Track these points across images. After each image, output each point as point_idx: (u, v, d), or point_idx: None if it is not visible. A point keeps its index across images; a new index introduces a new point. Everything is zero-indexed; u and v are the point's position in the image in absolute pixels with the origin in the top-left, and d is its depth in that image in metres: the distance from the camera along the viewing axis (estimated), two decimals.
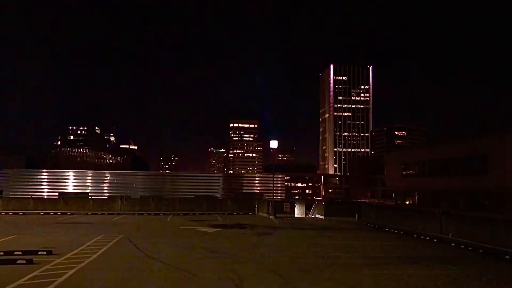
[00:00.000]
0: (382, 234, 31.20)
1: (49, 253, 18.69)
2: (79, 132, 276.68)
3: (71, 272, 15.24)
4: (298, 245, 24.83)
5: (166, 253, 20.38)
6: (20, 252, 18.13)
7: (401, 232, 31.18)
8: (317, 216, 45.68)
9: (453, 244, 25.06)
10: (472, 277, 16.47)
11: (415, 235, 29.27)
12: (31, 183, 64.10)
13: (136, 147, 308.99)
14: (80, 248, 20.96)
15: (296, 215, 45.68)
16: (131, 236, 26.18)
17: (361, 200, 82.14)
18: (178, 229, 32.37)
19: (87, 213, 45.41)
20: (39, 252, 18.52)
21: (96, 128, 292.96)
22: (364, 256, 20.63)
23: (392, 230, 32.58)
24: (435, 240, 27.14)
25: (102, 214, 45.43)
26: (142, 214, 46.23)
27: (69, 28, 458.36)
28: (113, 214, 45.52)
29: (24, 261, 16.37)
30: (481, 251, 22.55)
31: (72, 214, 44.79)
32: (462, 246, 24.17)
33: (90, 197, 54.95)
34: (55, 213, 44.80)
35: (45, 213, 44.68)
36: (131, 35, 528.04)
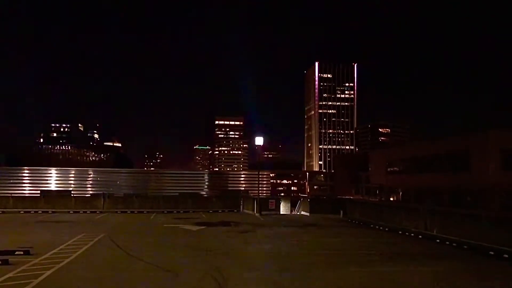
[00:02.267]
0: (367, 231, 31.18)
1: (27, 253, 18.05)
2: (62, 129, 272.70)
3: (48, 272, 14.68)
4: (283, 243, 24.59)
5: (149, 252, 19.92)
6: None
7: (386, 229, 31.20)
8: (303, 213, 45.60)
9: (438, 241, 25.11)
10: (458, 273, 16.44)
11: (400, 232, 29.27)
12: (11, 181, 62.52)
13: (120, 145, 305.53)
14: (60, 247, 20.35)
15: (281, 212, 45.50)
16: (113, 235, 25.60)
17: (346, 197, 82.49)
18: (162, 227, 31.85)
19: (69, 211, 44.44)
20: (16, 252, 17.86)
21: (80, 125, 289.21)
22: (349, 253, 20.50)
23: (377, 227, 32.59)
24: (420, 236, 27.17)
25: (85, 212, 44.54)
26: (126, 212, 45.45)
27: (52, 25, 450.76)
28: (95, 212, 44.66)
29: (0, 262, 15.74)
30: (465, 247, 22.59)
31: (53, 212, 43.79)
32: (447, 243, 24.22)
33: (72, 195, 53.83)
34: (36, 212, 43.73)
35: (25, 212, 43.59)
36: (114, 32, 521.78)
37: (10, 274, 14.25)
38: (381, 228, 31.97)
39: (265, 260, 18.75)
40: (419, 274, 16.04)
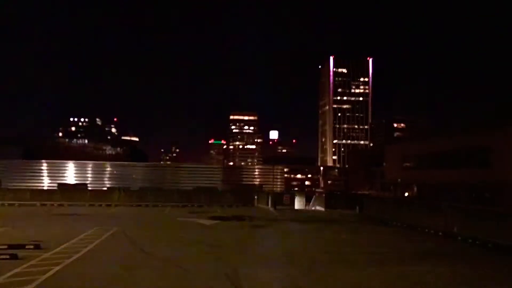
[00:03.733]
0: (385, 228, 30.37)
1: (37, 247, 17.74)
2: (80, 123, 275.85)
3: (56, 268, 14.29)
4: (299, 239, 24.00)
5: (161, 247, 19.51)
6: (5, 246, 17.14)
7: (404, 226, 30.32)
8: (317, 208, 44.87)
9: (459, 238, 24.20)
10: (486, 275, 15.61)
11: (419, 229, 28.38)
12: (29, 173, 63.10)
13: (137, 139, 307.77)
14: (71, 241, 20.03)
15: (296, 207, 44.86)
16: (126, 229, 25.27)
17: (360, 192, 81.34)
18: (176, 221, 31.50)
19: (84, 205, 44.48)
20: (26, 246, 17.56)
21: (97, 119, 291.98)
22: (368, 252, 19.76)
23: (394, 223, 31.72)
24: (440, 234, 26.28)
25: (100, 205, 44.54)
26: (140, 205, 45.35)
27: (70, 19, 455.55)
28: (110, 205, 44.63)
29: (8, 256, 15.42)
30: (489, 245, 21.67)
31: (69, 205, 43.88)
32: (470, 241, 23.28)
33: (89, 188, 54.03)
34: (52, 205, 43.89)
35: (41, 205, 43.77)
36: (131, 27, 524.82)
37: (18, 270, 13.87)
38: (399, 225, 31.09)
39: (280, 257, 18.15)
40: (444, 275, 15.23)
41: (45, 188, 55.51)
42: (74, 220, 30.75)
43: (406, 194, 59.87)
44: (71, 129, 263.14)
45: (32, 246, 17.69)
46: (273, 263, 16.68)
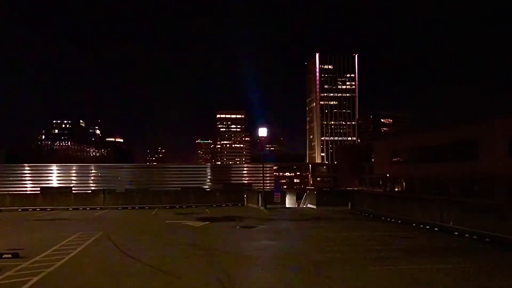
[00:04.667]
0: (379, 224, 29.70)
1: (15, 256, 16.56)
2: (63, 125, 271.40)
3: (35, 279, 13.16)
4: (293, 239, 23.14)
5: (148, 252, 18.45)
6: None
7: (399, 221, 29.70)
8: (309, 205, 44.14)
9: (456, 233, 23.58)
10: (488, 271, 14.93)
11: (414, 224, 27.76)
12: (10, 178, 61.17)
13: (122, 140, 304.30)
14: (52, 249, 18.87)
15: (287, 205, 44.04)
16: (112, 233, 24.15)
17: (350, 188, 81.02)
18: (163, 223, 30.38)
19: (68, 208, 43.12)
20: (4, 255, 16.40)
21: (81, 121, 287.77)
22: (365, 249, 18.97)
23: (388, 219, 31.10)
24: (436, 229, 25.66)
25: (84, 209, 43.21)
26: (127, 208, 44.11)
27: (53, 20, 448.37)
28: (95, 209, 43.31)
29: None
30: (488, 240, 21.09)
31: (52, 209, 42.46)
32: (467, 235, 22.69)
33: (73, 191, 52.47)
34: (34, 209, 42.43)
35: (23, 210, 42.25)
36: (115, 26, 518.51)
37: None
38: (393, 220, 30.47)
39: (274, 259, 17.27)
40: (446, 272, 14.50)
41: (24, 192, 53.57)
42: (56, 225, 29.46)
43: (397, 189, 59.64)
44: (54, 131, 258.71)
45: (10, 255, 16.51)
46: (267, 266, 15.79)
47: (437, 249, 19.44)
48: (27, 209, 42.35)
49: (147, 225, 29.66)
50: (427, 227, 26.55)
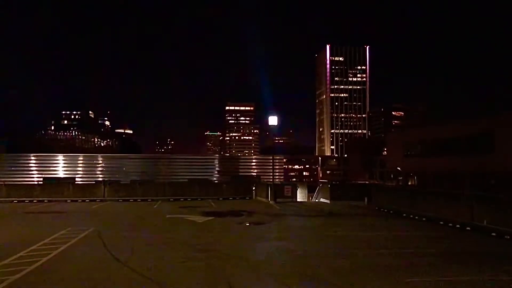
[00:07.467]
0: (401, 221, 26.85)
1: None
2: (72, 116, 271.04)
3: (1, 286, 10.69)
4: (306, 239, 20.37)
5: (139, 253, 15.86)
6: None
7: (423, 219, 26.80)
8: (322, 200, 41.33)
9: (493, 234, 20.66)
10: None
11: (441, 222, 24.88)
12: (12, 168, 59.14)
13: (131, 131, 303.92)
14: (33, 247, 16.39)
15: (298, 199, 41.30)
16: (104, 229, 21.63)
17: (362, 182, 78.26)
18: (164, 218, 27.81)
19: (66, 200, 40.93)
20: None
21: (90, 112, 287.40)
22: (393, 253, 16.14)
23: (411, 216, 28.20)
24: (467, 228, 22.75)
25: (83, 201, 40.97)
26: (128, 200, 41.78)
27: (63, 12, 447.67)
28: (95, 201, 41.05)
29: None
30: None
31: (49, 201, 40.29)
32: (507, 237, 19.79)
33: (76, 182, 50.25)
34: (31, 201, 40.28)
35: (19, 201, 40.13)
36: (125, 18, 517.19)
37: None
38: (416, 217, 27.56)
39: (287, 264, 14.55)
40: (503, 285, 11.69)
41: (23, 183, 51.34)
42: (48, 218, 27.06)
43: (410, 183, 56.93)
44: (63, 122, 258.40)
45: None
46: (279, 275, 13.04)
47: (481, 254, 16.45)
48: (23, 201, 40.22)
49: (145, 220, 27.11)
50: (457, 226, 23.65)
